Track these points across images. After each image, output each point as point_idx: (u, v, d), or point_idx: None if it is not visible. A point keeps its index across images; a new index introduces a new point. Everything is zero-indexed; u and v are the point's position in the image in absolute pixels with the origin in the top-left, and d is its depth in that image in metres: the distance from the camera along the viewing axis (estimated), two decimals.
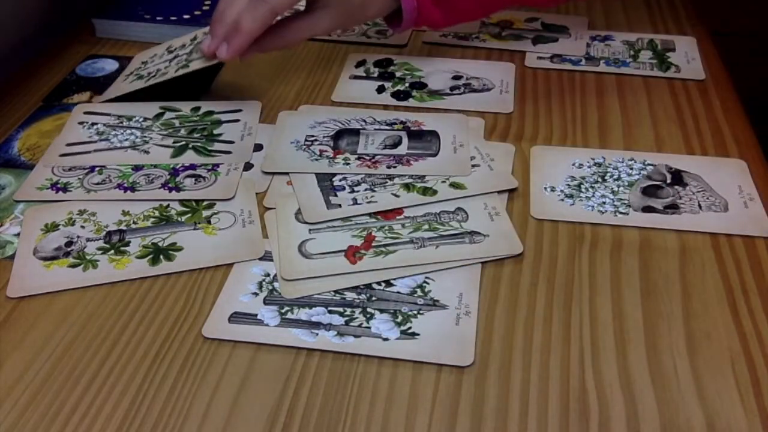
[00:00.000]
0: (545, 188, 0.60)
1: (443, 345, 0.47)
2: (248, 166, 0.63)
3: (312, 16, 0.67)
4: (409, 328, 0.48)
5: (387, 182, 0.60)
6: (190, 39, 0.75)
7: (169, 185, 0.60)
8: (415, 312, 0.49)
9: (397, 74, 0.75)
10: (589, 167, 0.62)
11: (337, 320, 0.49)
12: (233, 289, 0.51)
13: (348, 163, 0.62)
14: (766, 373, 0.45)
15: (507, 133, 0.67)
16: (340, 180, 0.60)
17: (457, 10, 0.73)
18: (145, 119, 0.68)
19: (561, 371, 0.46)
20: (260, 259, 0.54)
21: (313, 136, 0.66)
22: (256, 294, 0.51)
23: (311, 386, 0.45)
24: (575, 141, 0.66)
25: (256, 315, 0.49)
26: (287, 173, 0.62)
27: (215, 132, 0.67)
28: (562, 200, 0.58)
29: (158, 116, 0.69)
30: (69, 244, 0.56)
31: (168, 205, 0.59)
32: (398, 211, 0.57)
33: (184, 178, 0.61)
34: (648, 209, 0.57)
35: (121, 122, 0.68)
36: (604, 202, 0.58)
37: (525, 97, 0.72)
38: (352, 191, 0.59)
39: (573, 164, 0.62)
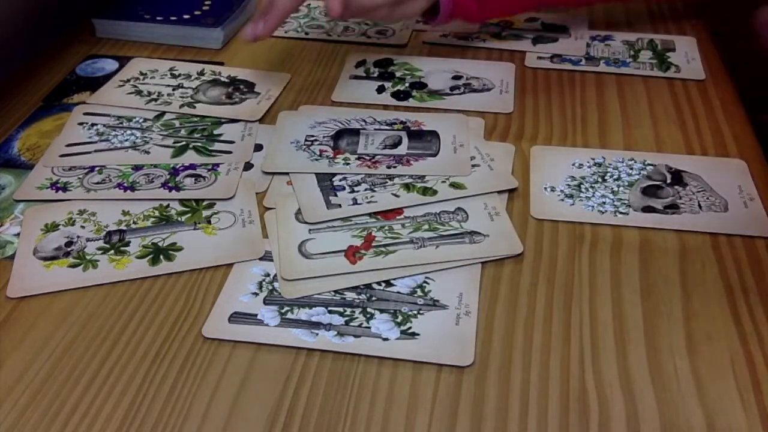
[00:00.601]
0: (545, 188, 0.60)
1: (443, 345, 0.47)
2: (248, 166, 0.63)
3: None
4: (409, 328, 0.48)
5: (387, 182, 0.60)
6: (197, 71, 0.75)
7: (169, 185, 0.61)
8: (415, 312, 0.49)
9: (397, 74, 0.75)
10: (589, 167, 0.62)
11: (337, 320, 0.49)
12: (233, 289, 0.51)
13: (348, 163, 0.62)
14: (766, 373, 0.45)
15: (507, 133, 0.67)
16: (340, 180, 0.60)
17: (492, 5, 0.73)
18: (145, 120, 0.69)
19: (561, 371, 0.46)
20: (260, 259, 0.54)
21: (313, 136, 0.66)
22: (256, 294, 0.51)
23: (311, 386, 0.45)
24: (575, 141, 0.66)
25: (256, 315, 0.49)
26: (287, 173, 0.62)
27: (215, 132, 0.67)
28: (562, 200, 0.58)
29: (158, 117, 0.69)
30: (69, 244, 0.56)
31: (168, 205, 0.59)
32: (398, 211, 0.57)
33: (184, 177, 0.61)
34: (648, 209, 0.57)
35: (121, 123, 0.68)
36: (604, 202, 0.58)
37: (525, 97, 0.72)
38: (352, 191, 0.59)
39: (573, 164, 0.62)
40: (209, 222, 0.57)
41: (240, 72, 0.76)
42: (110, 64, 0.78)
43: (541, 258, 0.54)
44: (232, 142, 0.66)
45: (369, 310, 0.50)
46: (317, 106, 0.71)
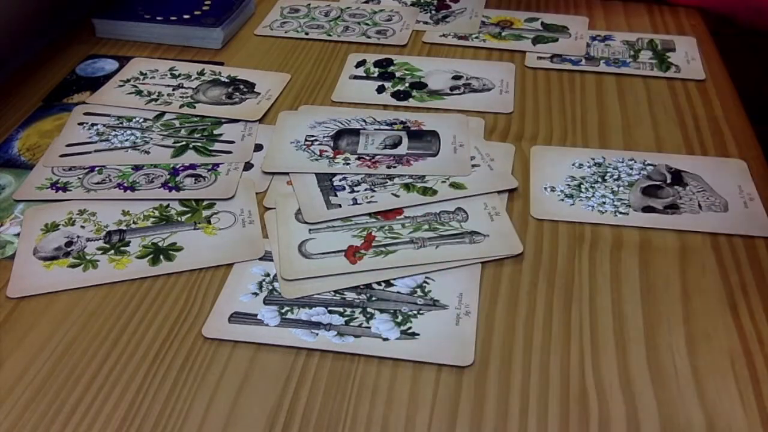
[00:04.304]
0: (545, 188, 0.60)
1: (443, 345, 0.47)
2: (248, 166, 0.63)
3: None
4: (409, 328, 0.48)
5: (387, 182, 0.60)
6: (197, 71, 0.75)
7: (169, 185, 0.61)
8: (415, 312, 0.49)
9: (397, 74, 0.75)
10: (589, 167, 0.62)
11: (337, 320, 0.49)
12: (233, 289, 0.51)
13: (348, 163, 0.62)
14: (766, 373, 0.45)
15: (507, 133, 0.67)
16: (340, 180, 0.60)
17: None
18: (145, 120, 0.69)
19: (561, 371, 0.46)
20: (260, 259, 0.54)
21: (313, 136, 0.66)
22: (256, 294, 0.51)
23: (311, 386, 0.45)
24: (575, 141, 0.66)
25: (256, 315, 0.49)
26: (287, 173, 0.62)
27: (215, 132, 0.67)
28: (562, 200, 0.58)
29: (158, 117, 0.69)
30: (69, 244, 0.56)
31: (168, 205, 0.59)
32: (398, 211, 0.57)
33: (184, 177, 0.61)
34: (648, 209, 0.57)
35: (121, 123, 0.68)
36: (604, 202, 0.58)
37: (525, 97, 0.72)
38: (352, 191, 0.59)
39: (573, 164, 0.62)
40: (209, 222, 0.57)
41: (240, 72, 0.76)
42: (110, 64, 0.78)
43: (541, 258, 0.54)
44: (232, 142, 0.66)
45: (369, 310, 0.50)
46: (317, 106, 0.71)
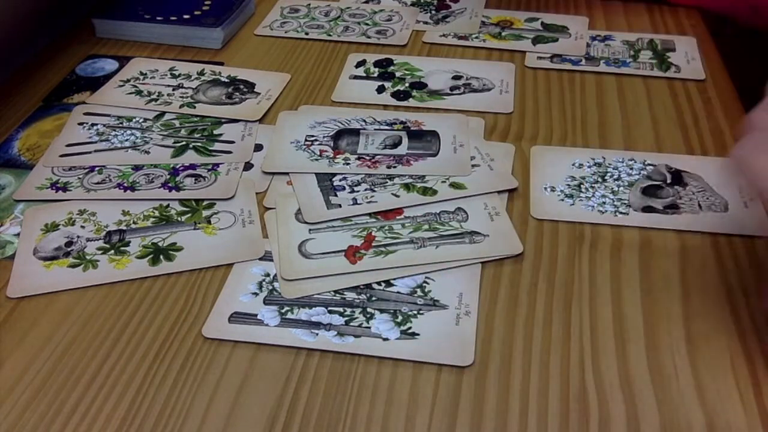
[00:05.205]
0: (545, 188, 0.60)
1: (443, 345, 0.47)
2: (248, 166, 0.63)
3: None
4: (409, 328, 0.48)
5: (387, 182, 0.60)
6: (197, 71, 0.75)
7: (169, 185, 0.61)
8: (415, 312, 0.49)
9: (397, 74, 0.75)
10: (589, 167, 0.62)
11: (337, 320, 0.49)
12: (233, 289, 0.51)
13: (348, 163, 0.62)
14: (766, 373, 0.45)
15: (507, 133, 0.67)
16: (340, 180, 0.60)
17: None
18: (145, 120, 0.69)
19: (561, 371, 0.46)
20: (260, 259, 0.54)
21: (313, 136, 0.66)
22: (256, 294, 0.51)
23: (311, 386, 0.45)
24: (575, 141, 0.66)
25: (256, 315, 0.49)
26: (287, 173, 0.62)
27: (215, 132, 0.67)
28: (562, 200, 0.58)
29: (158, 117, 0.69)
30: (69, 244, 0.56)
31: (168, 205, 0.59)
32: (398, 211, 0.57)
33: (184, 177, 0.61)
34: (648, 209, 0.57)
35: (121, 123, 0.68)
36: (604, 202, 0.58)
37: (525, 97, 0.72)
38: (352, 191, 0.59)
39: (573, 164, 0.62)
40: (209, 222, 0.57)
41: (240, 72, 0.76)
42: (110, 64, 0.78)
43: (541, 258, 0.54)
44: (232, 142, 0.66)
45: (369, 310, 0.50)
46: (317, 106, 0.71)
